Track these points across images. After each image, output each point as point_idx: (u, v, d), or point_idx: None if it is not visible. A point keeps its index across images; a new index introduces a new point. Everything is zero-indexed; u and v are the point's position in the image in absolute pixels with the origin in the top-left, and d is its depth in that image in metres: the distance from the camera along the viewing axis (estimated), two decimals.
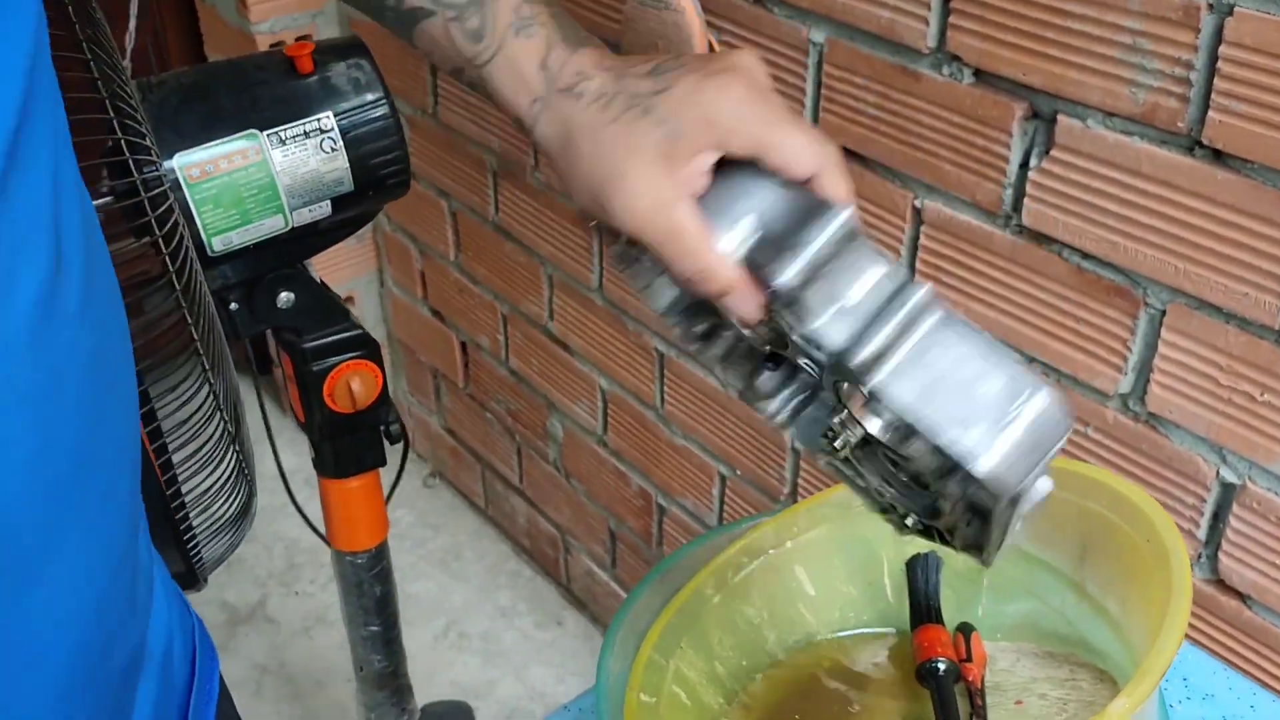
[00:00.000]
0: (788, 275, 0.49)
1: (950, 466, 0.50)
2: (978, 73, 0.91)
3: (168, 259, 0.67)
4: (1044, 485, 0.53)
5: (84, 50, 0.65)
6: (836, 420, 0.52)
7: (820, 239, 0.49)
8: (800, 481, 1.27)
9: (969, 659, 0.75)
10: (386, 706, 1.17)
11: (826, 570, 0.81)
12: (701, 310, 0.57)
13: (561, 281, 1.50)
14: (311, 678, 1.71)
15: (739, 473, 1.35)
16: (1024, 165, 0.90)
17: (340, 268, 1.87)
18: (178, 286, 0.68)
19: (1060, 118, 0.86)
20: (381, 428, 1.01)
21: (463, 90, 1.51)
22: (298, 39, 1.78)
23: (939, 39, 0.92)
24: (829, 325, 0.50)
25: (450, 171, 1.61)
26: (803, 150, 0.50)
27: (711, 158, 0.50)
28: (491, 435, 1.82)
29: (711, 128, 0.49)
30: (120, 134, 0.64)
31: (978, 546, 0.55)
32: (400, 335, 1.94)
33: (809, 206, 0.50)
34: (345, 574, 1.09)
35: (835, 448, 0.52)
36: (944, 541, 0.58)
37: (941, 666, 0.73)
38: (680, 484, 1.46)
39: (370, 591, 1.10)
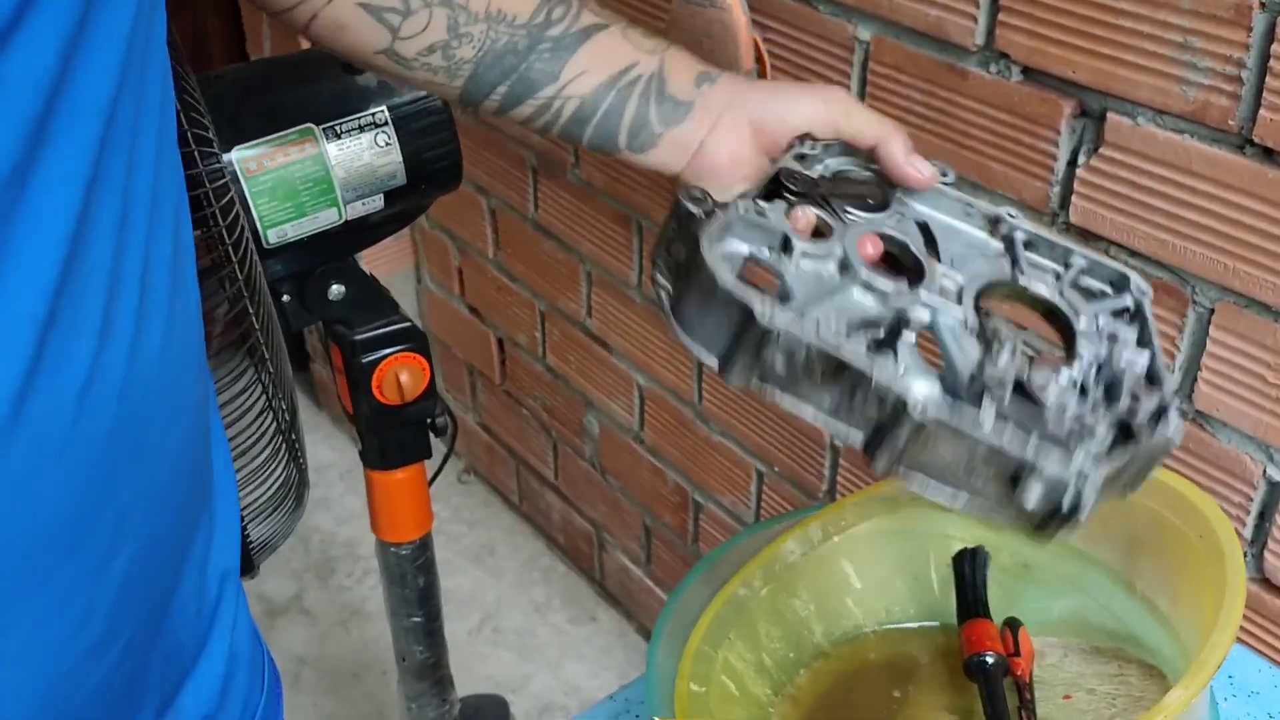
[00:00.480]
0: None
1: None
2: (1026, 70, 0.91)
3: (230, 249, 0.68)
4: None
5: None
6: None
7: None
8: (839, 479, 1.27)
9: (1017, 653, 0.75)
10: (428, 697, 1.18)
11: (873, 564, 0.82)
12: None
13: (600, 279, 1.51)
14: (348, 670, 1.73)
15: (777, 470, 1.36)
16: (1072, 163, 0.91)
17: (377, 264, 1.89)
18: (240, 277, 0.69)
19: (1110, 115, 0.87)
20: (428, 420, 1.02)
21: None
22: None
23: (987, 36, 0.92)
24: None
25: (490, 169, 1.63)
26: (862, 125, 0.64)
27: None
28: (527, 432, 1.84)
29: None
30: (187, 126, 0.66)
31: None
32: (436, 332, 1.95)
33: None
34: (389, 565, 1.10)
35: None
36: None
37: (990, 660, 0.73)
38: (717, 481, 1.46)
39: (413, 582, 1.11)
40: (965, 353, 0.53)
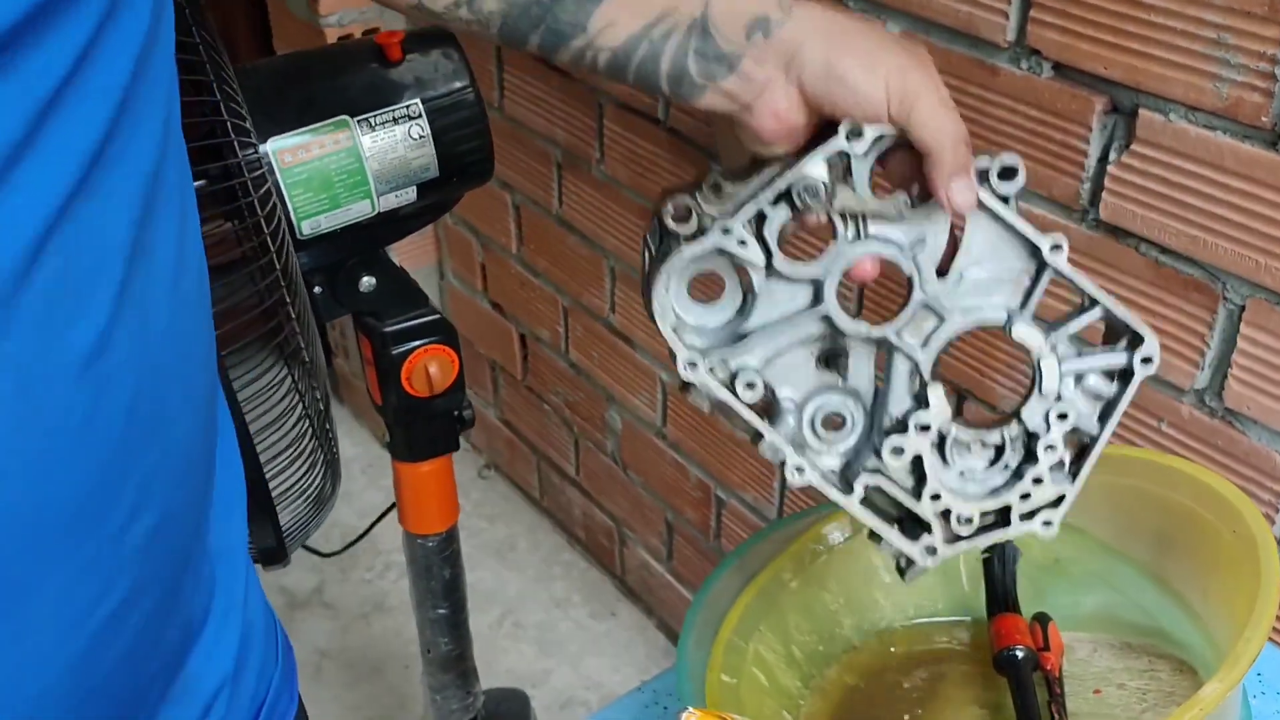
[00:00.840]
0: (1011, 159, 0.56)
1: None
2: (1057, 66, 0.91)
3: (269, 239, 0.69)
4: None
5: (194, 34, 0.67)
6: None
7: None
8: None
9: (1046, 648, 0.75)
10: (452, 689, 1.19)
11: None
12: (721, 348, 0.59)
13: (624, 274, 1.52)
14: (370, 663, 1.73)
15: None
16: (1102, 159, 0.91)
17: (400, 260, 1.89)
18: (278, 268, 0.70)
19: (1142, 112, 0.86)
20: (455, 413, 1.03)
21: (528, 83, 1.53)
22: (364, 32, 1.80)
23: (1019, 33, 0.92)
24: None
25: (514, 164, 1.63)
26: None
27: None
28: (548, 427, 1.84)
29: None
30: (226, 116, 0.66)
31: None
32: (459, 328, 1.95)
33: None
34: (415, 557, 1.11)
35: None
36: (991, 532, 0.63)
37: (1020, 654, 0.74)
38: (741, 477, 1.47)
39: (439, 574, 1.12)
40: (897, 399, 0.60)
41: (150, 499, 0.44)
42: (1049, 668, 0.74)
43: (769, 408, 0.59)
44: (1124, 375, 0.60)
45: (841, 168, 0.56)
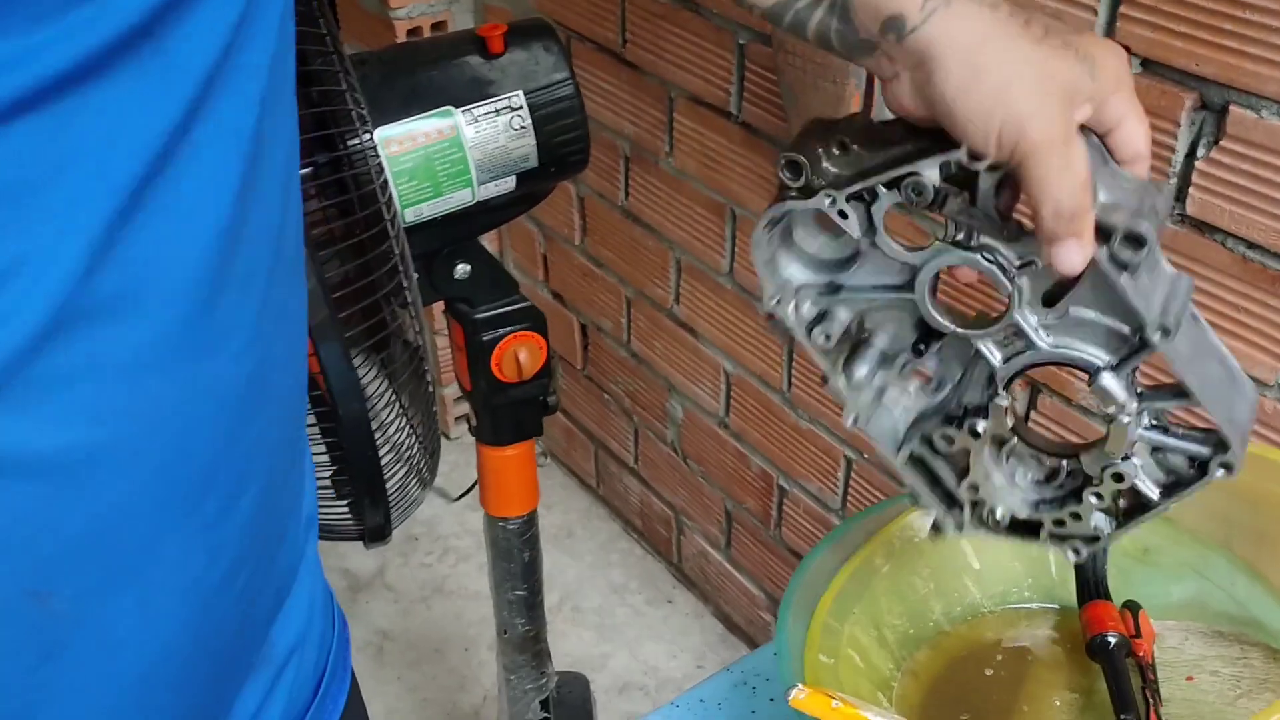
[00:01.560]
0: (1144, 228, 0.50)
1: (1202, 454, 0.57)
2: (1146, 63, 0.92)
3: (387, 225, 0.71)
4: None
5: (319, 24, 0.69)
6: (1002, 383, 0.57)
7: (1162, 210, 0.53)
8: None
9: (1138, 635, 0.76)
10: (526, 669, 1.21)
11: (992, 546, 0.83)
12: (814, 291, 0.59)
13: (690, 266, 1.53)
14: (430, 645, 1.76)
15: (866, 457, 1.37)
16: (1189, 155, 0.91)
17: None
18: (396, 251, 0.72)
19: (1232, 108, 0.87)
20: (540, 399, 1.05)
21: (598, 76, 1.54)
22: (433, 25, 1.82)
23: (1107, 29, 0.93)
24: (1148, 288, 0.52)
25: None
26: (1143, 138, 0.52)
27: (1090, 111, 0.51)
28: (608, 416, 1.86)
29: (1118, 84, 0.51)
30: (351, 106, 0.68)
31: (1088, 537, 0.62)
32: None
33: (1141, 185, 0.53)
34: (496, 539, 1.13)
35: (956, 437, 0.60)
36: (1023, 535, 0.64)
37: (1113, 640, 0.75)
38: (804, 467, 1.48)
39: (519, 557, 1.14)
40: (972, 391, 0.59)
41: (255, 468, 0.46)
42: (1141, 654, 0.75)
43: (856, 349, 0.59)
44: (1200, 466, 0.58)
45: (963, 175, 0.53)
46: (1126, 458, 0.57)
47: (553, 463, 2.06)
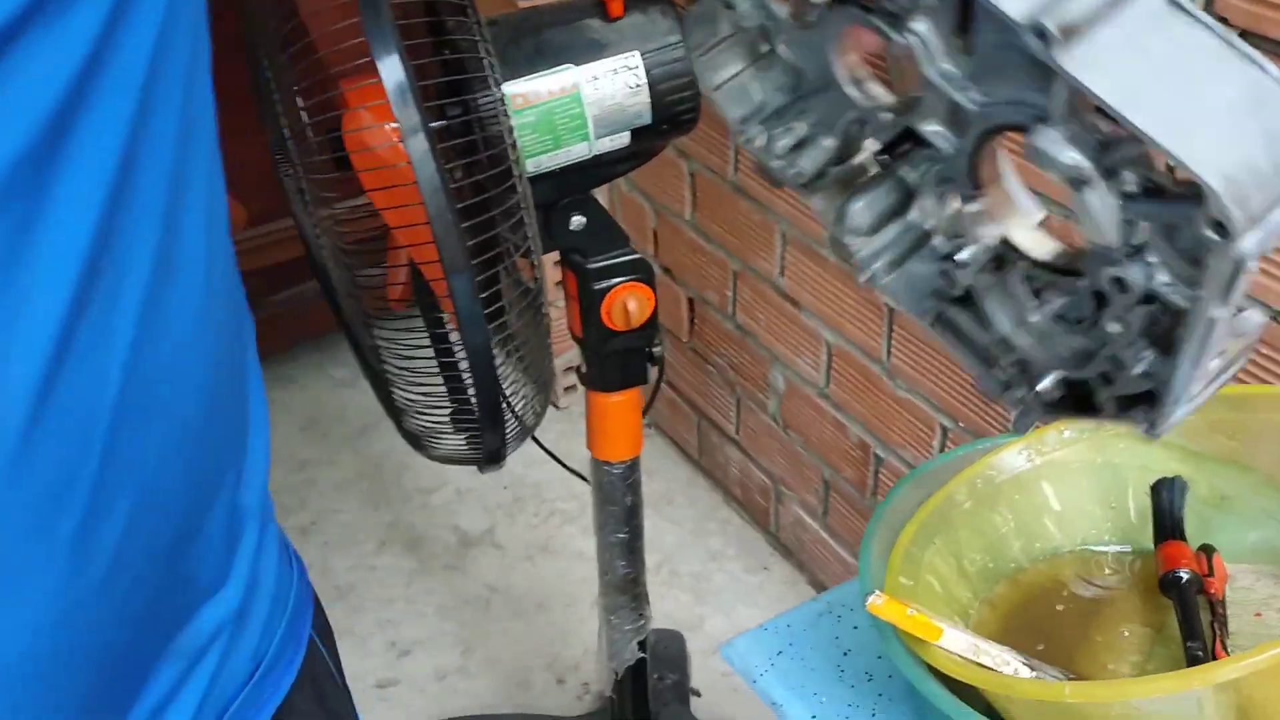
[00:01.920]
0: None
1: (1164, 223, 0.38)
2: (1244, 34, 0.94)
3: (513, 165, 0.78)
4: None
5: None
6: (971, 209, 0.44)
7: None
8: None
9: (1211, 574, 0.80)
10: (626, 610, 1.28)
11: (1073, 489, 0.87)
12: (788, 115, 0.50)
13: (795, 239, 1.58)
14: (534, 600, 1.84)
15: (961, 424, 1.41)
16: None
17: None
18: (518, 193, 0.79)
19: None
20: (646, 349, 1.11)
21: None
22: None
23: (1206, 1, 0.96)
24: None
25: (692, 133, 1.71)
26: None
27: None
28: (710, 387, 1.92)
29: None
30: (485, 55, 0.76)
31: (1147, 399, 0.43)
32: None
33: None
34: (601, 482, 1.20)
35: (956, 274, 0.45)
36: (1084, 411, 0.46)
37: (1184, 576, 0.78)
38: (900, 435, 1.52)
39: (622, 500, 1.21)
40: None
41: (129, 484, 0.46)
42: (1212, 591, 0.78)
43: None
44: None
45: None
46: (1135, 254, 0.40)
47: (655, 432, 2.13)
